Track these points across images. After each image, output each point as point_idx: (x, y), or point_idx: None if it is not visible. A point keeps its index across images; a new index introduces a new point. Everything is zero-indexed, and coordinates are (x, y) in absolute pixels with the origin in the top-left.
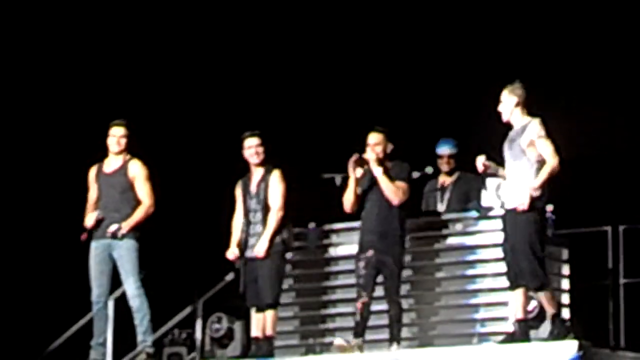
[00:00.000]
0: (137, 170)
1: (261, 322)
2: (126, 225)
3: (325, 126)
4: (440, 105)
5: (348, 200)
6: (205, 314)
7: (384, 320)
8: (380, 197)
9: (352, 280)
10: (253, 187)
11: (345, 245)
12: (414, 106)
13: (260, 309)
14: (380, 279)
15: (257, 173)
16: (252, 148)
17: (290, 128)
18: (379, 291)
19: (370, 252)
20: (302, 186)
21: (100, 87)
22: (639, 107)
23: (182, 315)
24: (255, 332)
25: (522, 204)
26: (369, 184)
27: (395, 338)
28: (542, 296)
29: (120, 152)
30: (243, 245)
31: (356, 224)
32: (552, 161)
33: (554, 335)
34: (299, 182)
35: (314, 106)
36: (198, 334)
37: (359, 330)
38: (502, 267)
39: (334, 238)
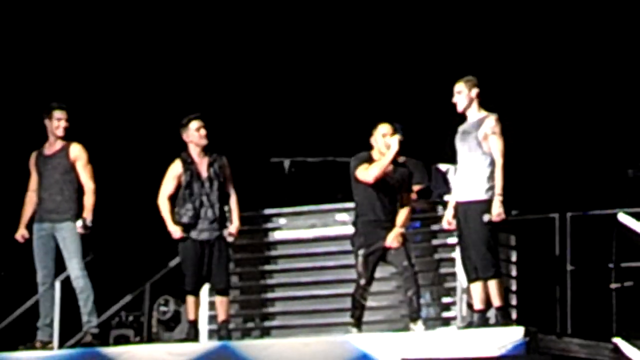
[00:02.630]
0: (78, 153)
1: (198, 305)
2: (88, 215)
3: (273, 110)
4: (386, 90)
5: (379, 172)
6: (153, 297)
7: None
8: (390, 192)
9: (296, 264)
10: (203, 171)
11: (291, 229)
12: (360, 90)
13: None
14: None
15: (202, 156)
16: (202, 129)
17: (238, 112)
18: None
19: (376, 245)
20: (250, 170)
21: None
22: (588, 93)
23: (129, 297)
24: (192, 315)
25: (499, 214)
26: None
27: (415, 316)
28: (493, 286)
29: (62, 136)
30: (186, 228)
31: (303, 208)
32: (500, 161)
33: (499, 324)
34: (247, 166)
35: (263, 90)
36: (145, 317)
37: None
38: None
39: (281, 222)
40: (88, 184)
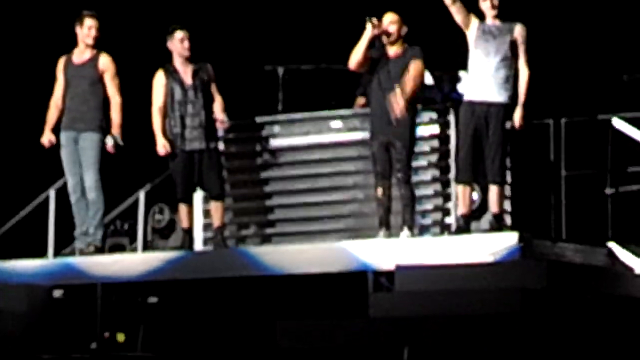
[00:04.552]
0: (107, 64)
1: (191, 213)
2: (117, 133)
3: (267, 18)
4: None
5: (356, 57)
6: (148, 205)
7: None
8: (389, 82)
9: (290, 172)
10: (187, 79)
11: (285, 137)
12: None
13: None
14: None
15: (186, 65)
16: (185, 41)
17: (232, 19)
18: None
19: (381, 137)
20: (244, 78)
21: None
22: None
23: (124, 206)
24: (185, 223)
25: (520, 124)
26: (379, 62)
27: (406, 223)
28: (495, 192)
29: (93, 44)
30: (174, 137)
31: (297, 115)
32: (527, 71)
33: (494, 229)
34: (241, 74)
35: None
36: (140, 225)
37: (385, 220)
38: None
39: (275, 129)
40: (115, 98)
